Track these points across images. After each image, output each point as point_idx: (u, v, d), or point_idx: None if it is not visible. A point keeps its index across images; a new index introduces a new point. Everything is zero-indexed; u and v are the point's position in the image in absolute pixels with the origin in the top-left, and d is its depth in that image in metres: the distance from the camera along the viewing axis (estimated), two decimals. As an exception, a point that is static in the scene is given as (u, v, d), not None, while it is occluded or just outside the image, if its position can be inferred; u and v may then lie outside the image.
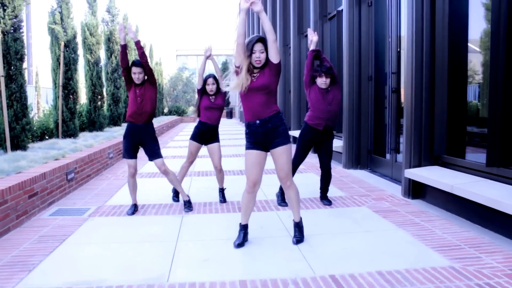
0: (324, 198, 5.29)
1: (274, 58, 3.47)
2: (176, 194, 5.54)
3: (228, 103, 33.29)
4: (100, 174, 7.59)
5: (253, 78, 3.51)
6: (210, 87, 5.22)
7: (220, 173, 5.46)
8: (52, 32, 9.34)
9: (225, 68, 40.35)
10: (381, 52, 7.15)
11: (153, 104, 4.90)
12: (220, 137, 5.59)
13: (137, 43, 4.78)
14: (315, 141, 5.15)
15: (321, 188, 5.32)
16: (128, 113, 4.85)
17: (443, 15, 5.07)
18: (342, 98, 5.14)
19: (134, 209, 4.97)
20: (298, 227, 3.87)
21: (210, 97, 5.26)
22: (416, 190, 5.34)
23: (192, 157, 5.42)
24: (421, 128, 5.27)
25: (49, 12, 9.43)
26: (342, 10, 8.01)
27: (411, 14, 5.27)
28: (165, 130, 18.87)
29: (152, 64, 25.34)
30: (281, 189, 5.27)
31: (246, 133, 3.67)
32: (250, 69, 3.50)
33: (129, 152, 4.88)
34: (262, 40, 3.48)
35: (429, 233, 4.01)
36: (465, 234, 3.96)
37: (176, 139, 15.15)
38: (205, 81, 5.26)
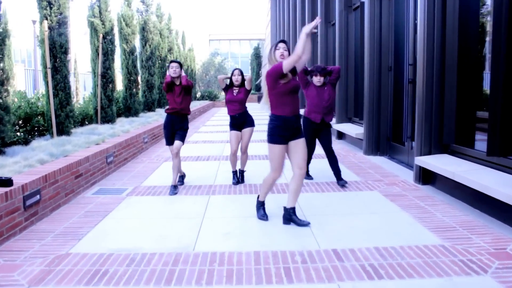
0: (340, 179, 5.75)
1: (300, 66, 4.18)
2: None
3: (259, 88, 33.84)
4: (136, 158, 8.26)
5: (292, 79, 4.10)
6: (236, 78, 5.82)
7: (243, 154, 6.02)
8: (91, 24, 10.01)
9: (256, 52, 40.72)
10: (400, 44, 7.42)
11: (189, 105, 5.74)
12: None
13: (184, 77, 5.67)
14: (315, 130, 5.82)
15: (334, 172, 5.80)
16: (169, 109, 5.65)
17: (453, 9, 5.34)
18: (335, 95, 5.89)
19: (175, 189, 5.57)
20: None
21: (234, 90, 5.79)
22: (426, 177, 5.70)
23: (234, 146, 5.97)
24: (431, 118, 5.60)
25: (89, 6, 10.09)
26: (364, 2, 8.29)
27: (424, 9, 5.57)
28: (197, 115, 19.53)
29: (185, 50, 26.02)
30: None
31: (278, 126, 4.05)
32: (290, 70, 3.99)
33: (170, 139, 5.73)
34: (285, 42, 4.13)
35: (430, 216, 4.41)
36: (463, 217, 4.33)
37: (207, 124, 15.79)
38: (232, 73, 5.90)
